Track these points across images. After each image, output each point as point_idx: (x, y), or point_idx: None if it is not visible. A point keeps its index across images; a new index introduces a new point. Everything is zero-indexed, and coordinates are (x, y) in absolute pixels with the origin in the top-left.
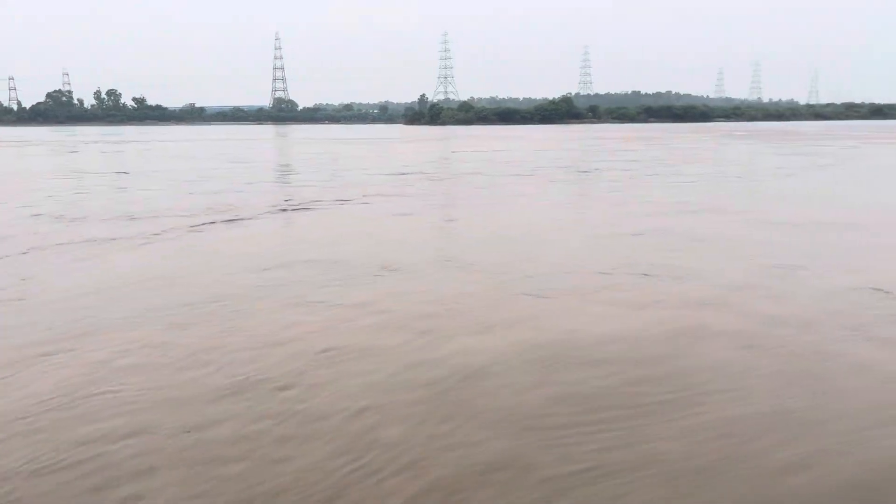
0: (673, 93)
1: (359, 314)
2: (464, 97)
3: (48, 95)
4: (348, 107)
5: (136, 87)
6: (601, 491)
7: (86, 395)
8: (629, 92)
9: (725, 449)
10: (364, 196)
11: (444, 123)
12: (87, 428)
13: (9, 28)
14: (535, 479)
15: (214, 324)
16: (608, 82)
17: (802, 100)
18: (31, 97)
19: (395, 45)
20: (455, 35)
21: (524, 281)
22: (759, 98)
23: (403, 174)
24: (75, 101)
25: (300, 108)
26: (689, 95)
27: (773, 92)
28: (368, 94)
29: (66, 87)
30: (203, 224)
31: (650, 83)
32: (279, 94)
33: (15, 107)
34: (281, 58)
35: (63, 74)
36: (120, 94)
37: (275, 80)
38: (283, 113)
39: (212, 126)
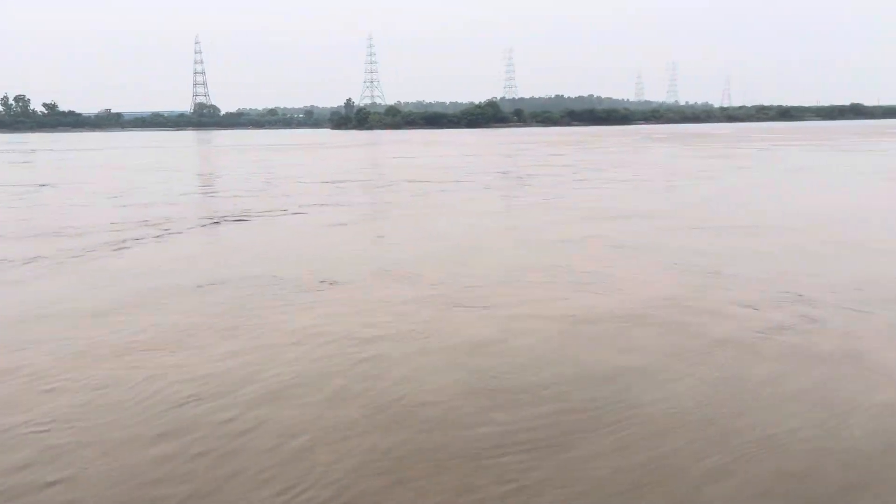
0: (595, 96)
1: (297, 336)
2: (391, 101)
3: None
4: (272, 112)
5: (48, 94)
6: None
7: None
8: (553, 96)
9: (654, 461)
10: (300, 206)
11: (371, 128)
12: None
13: None
14: (468, 502)
15: (142, 354)
16: (532, 87)
17: (716, 102)
18: None
19: (321, 49)
20: (381, 39)
21: (462, 292)
22: (676, 101)
23: (338, 182)
24: None
25: (223, 113)
26: (611, 99)
27: (688, 95)
28: (293, 99)
29: None
30: (132, 239)
31: (573, 87)
32: (200, 99)
33: None
34: (202, 62)
35: None
36: (29, 99)
37: (195, 84)
38: (204, 118)
39: (129, 133)
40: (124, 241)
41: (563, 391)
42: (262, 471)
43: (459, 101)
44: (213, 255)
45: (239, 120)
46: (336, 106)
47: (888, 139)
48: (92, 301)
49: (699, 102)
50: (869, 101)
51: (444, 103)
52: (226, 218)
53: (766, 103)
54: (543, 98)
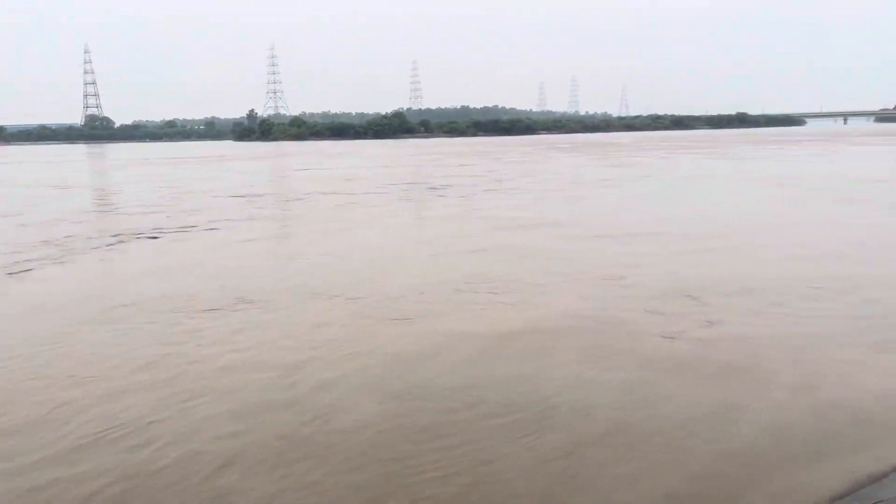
0: (499, 107)
1: (215, 363)
2: (295, 112)
3: None
4: (171, 123)
5: None
6: None
7: None
8: (459, 106)
9: (568, 469)
10: (211, 221)
11: (276, 139)
12: None
13: None
14: None
15: (50, 385)
16: (438, 97)
17: (615, 112)
18: None
19: (221, 59)
20: (284, 49)
21: (378, 305)
22: (576, 111)
23: (248, 196)
24: None
25: (117, 125)
26: (515, 109)
27: (588, 105)
28: (193, 110)
29: None
30: (34, 260)
31: (478, 98)
32: (92, 110)
33: None
34: (92, 72)
35: None
36: None
37: (86, 95)
38: (96, 131)
39: (14, 147)
40: (24, 262)
41: (481, 405)
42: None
43: (366, 111)
44: (122, 276)
45: (135, 133)
46: (238, 117)
47: (772, 146)
48: None
49: (599, 112)
50: (753, 110)
51: (350, 114)
52: (135, 236)
53: (661, 112)
54: (449, 108)
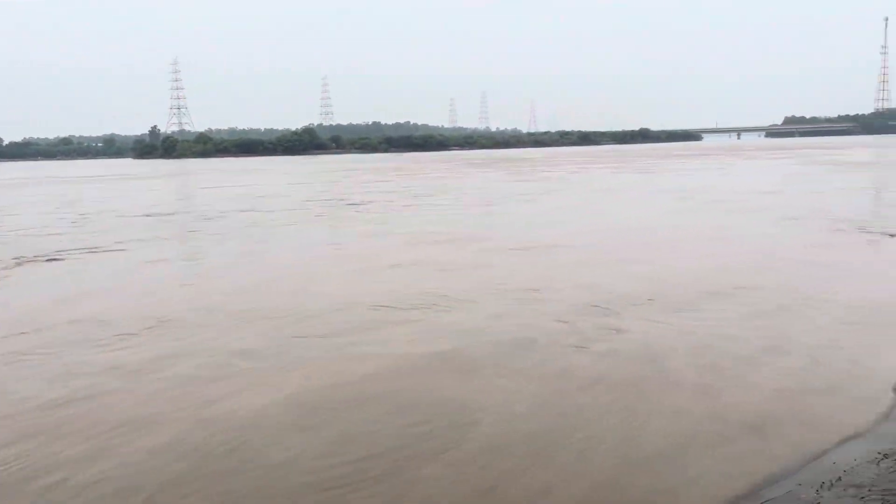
0: (411, 123)
1: (125, 381)
2: (201, 128)
3: None
4: (66, 140)
5: None
6: None
7: None
8: (370, 123)
9: (484, 482)
10: (117, 242)
11: (180, 157)
12: None
13: None
14: None
15: None
16: (350, 113)
17: (524, 128)
18: None
19: (121, 74)
20: (188, 64)
21: (296, 324)
22: (487, 127)
23: (155, 216)
24: None
25: (6, 143)
26: (427, 125)
27: (498, 121)
28: (91, 127)
29: None
30: None
31: (390, 114)
32: None
33: None
34: None
35: None
36: None
37: None
38: None
39: None
40: None
41: (401, 420)
42: None
43: (275, 127)
44: (24, 301)
45: (26, 150)
46: (140, 134)
47: (675, 160)
48: None
49: (509, 128)
50: (654, 126)
51: (259, 130)
52: (36, 258)
53: (568, 128)
54: (361, 124)
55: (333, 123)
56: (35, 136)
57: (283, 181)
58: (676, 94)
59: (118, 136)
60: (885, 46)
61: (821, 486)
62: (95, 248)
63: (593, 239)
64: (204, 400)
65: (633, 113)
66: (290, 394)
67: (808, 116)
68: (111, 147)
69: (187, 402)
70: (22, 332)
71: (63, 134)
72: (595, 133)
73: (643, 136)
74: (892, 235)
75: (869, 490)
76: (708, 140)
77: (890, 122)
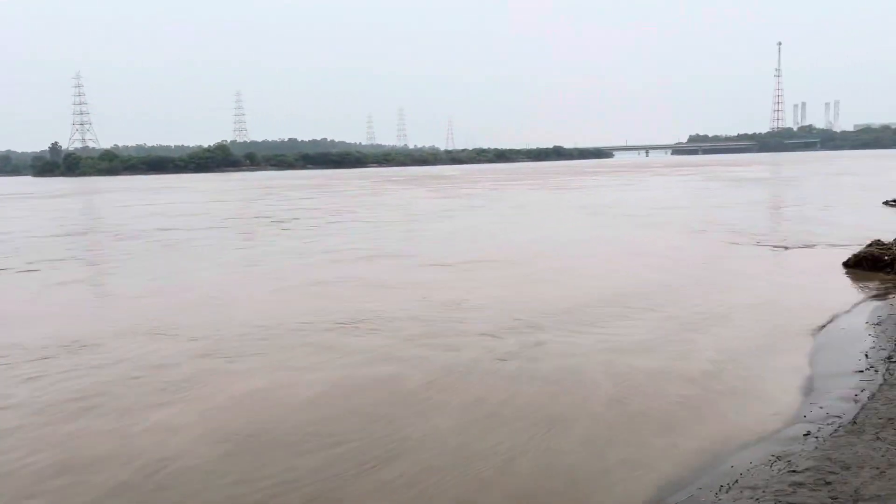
0: (329, 140)
1: (45, 409)
2: (106, 145)
3: None
4: None
5: None
6: None
7: None
8: (286, 139)
9: (412, 499)
10: (28, 263)
11: (84, 174)
12: None
13: None
14: None
15: None
16: (265, 130)
17: (442, 145)
18: None
19: (18, 87)
20: (92, 79)
21: (217, 345)
22: (405, 144)
23: (65, 236)
24: None
25: None
26: (344, 143)
27: (416, 138)
28: None
29: None
30: None
31: (306, 131)
32: None
33: None
34: None
35: None
36: None
37: None
38: None
39: None
40: None
41: (325, 440)
42: None
43: (186, 144)
44: None
45: None
46: (40, 150)
47: (588, 177)
48: None
49: (426, 146)
50: (567, 144)
51: (168, 147)
52: None
53: (484, 146)
54: (276, 141)
55: (248, 140)
56: None
57: (198, 199)
58: (589, 113)
59: (14, 152)
60: (778, 69)
61: (719, 490)
62: (4, 269)
63: (513, 255)
64: (114, 427)
65: (547, 131)
66: (207, 418)
67: (710, 135)
68: (7, 164)
69: (98, 429)
70: None
71: None
72: (511, 151)
73: (557, 153)
74: (786, 248)
75: (763, 492)
76: (618, 157)
77: (785, 141)
